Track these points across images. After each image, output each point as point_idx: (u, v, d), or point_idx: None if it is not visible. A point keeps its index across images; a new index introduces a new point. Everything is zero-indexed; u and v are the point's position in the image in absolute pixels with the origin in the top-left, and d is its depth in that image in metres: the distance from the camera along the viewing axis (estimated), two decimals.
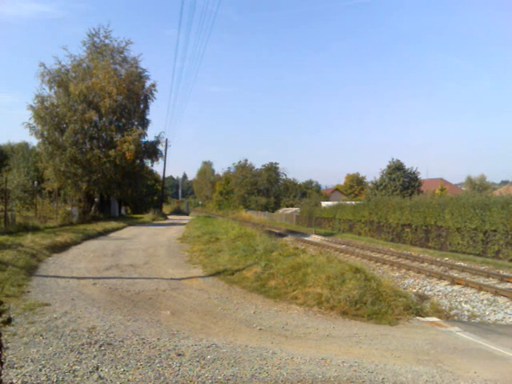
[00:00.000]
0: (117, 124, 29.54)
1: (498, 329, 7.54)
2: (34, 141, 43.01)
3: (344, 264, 8.96)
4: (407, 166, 41.47)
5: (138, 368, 4.10)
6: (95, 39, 29.61)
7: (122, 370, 4.03)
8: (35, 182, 24.25)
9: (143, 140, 30.24)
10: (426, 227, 21.86)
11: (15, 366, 3.95)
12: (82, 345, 4.65)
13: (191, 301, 7.26)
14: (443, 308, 9.77)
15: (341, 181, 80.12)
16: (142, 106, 31.01)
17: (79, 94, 26.35)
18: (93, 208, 28.74)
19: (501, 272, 14.07)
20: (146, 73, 30.99)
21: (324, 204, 43.57)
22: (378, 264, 16.39)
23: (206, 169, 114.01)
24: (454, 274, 13.82)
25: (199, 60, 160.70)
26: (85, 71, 28.42)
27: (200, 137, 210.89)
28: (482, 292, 11.06)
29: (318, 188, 77.07)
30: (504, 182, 65.14)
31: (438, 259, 17.21)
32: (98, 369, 4.00)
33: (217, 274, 9.72)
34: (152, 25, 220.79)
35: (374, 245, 23.48)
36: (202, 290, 8.13)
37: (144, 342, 4.88)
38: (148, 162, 32.48)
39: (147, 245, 15.01)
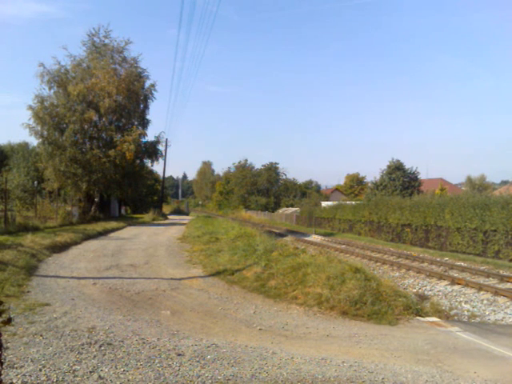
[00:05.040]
0: (117, 124, 29.53)
1: (498, 329, 7.54)
2: (33, 141, 42.98)
3: (344, 264, 8.96)
4: (407, 165, 41.49)
5: (138, 368, 4.10)
6: (95, 39, 29.57)
7: (122, 369, 4.03)
8: (35, 182, 24.25)
9: (143, 140, 30.24)
10: (426, 227, 21.86)
11: (15, 365, 3.95)
12: (82, 345, 4.65)
13: (191, 301, 7.26)
14: (443, 308, 9.76)
15: (341, 181, 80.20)
16: (141, 106, 30.99)
17: (78, 94, 26.35)
18: (93, 208, 28.70)
19: (501, 272, 14.07)
20: (145, 73, 30.97)
21: (324, 204, 43.56)
22: (378, 264, 16.39)
23: (206, 169, 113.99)
24: (454, 273, 13.82)
25: (199, 60, 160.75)
26: (84, 71, 28.41)
27: (200, 137, 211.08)
28: (481, 292, 11.06)
29: (317, 188, 77.15)
30: (504, 182, 65.16)
31: (438, 259, 17.21)
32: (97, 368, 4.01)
33: (217, 273, 9.72)
34: (152, 25, 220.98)
35: (374, 245, 23.48)
36: (202, 290, 8.13)
37: (144, 342, 4.88)
38: (148, 162, 32.48)
39: (147, 245, 15.01)
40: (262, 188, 64.92)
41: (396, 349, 5.29)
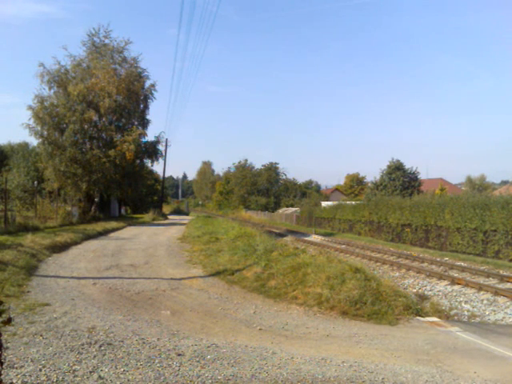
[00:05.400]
0: (117, 124, 29.54)
1: (498, 329, 7.54)
2: (33, 141, 42.98)
3: (344, 264, 8.96)
4: (407, 166, 41.50)
5: (138, 368, 4.10)
6: (95, 39, 29.58)
7: (122, 369, 4.03)
8: (35, 182, 24.26)
9: (143, 140, 30.26)
10: (426, 227, 21.85)
11: (15, 365, 3.95)
12: (82, 345, 4.65)
13: (191, 301, 7.26)
14: (443, 308, 9.76)
15: (341, 181, 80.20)
16: (141, 106, 31.00)
17: (78, 94, 26.36)
18: (93, 208, 28.72)
19: (501, 272, 14.06)
20: (145, 73, 30.97)
21: (324, 204, 43.56)
22: (378, 264, 16.38)
23: (206, 169, 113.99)
24: (454, 273, 13.82)
25: (199, 60, 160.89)
26: (84, 71, 28.42)
27: (200, 137, 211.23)
28: (481, 292, 11.06)
29: (317, 188, 77.20)
30: (504, 182, 65.13)
31: (438, 259, 17.21)
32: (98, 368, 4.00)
33: (217, 273, 9.72)
34: (152, 25, 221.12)
35: (374, 245, 23.48)
36: (202, 290, 8.13)
37: (144, 342, 4.88)
38: (148, 162, 32.50)
39: (147, 245, 15.01)
40: (262, 188, 64.90)
41: (396, 349, 5.29)
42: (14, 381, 3.62)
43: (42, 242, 12.53)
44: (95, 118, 28.13)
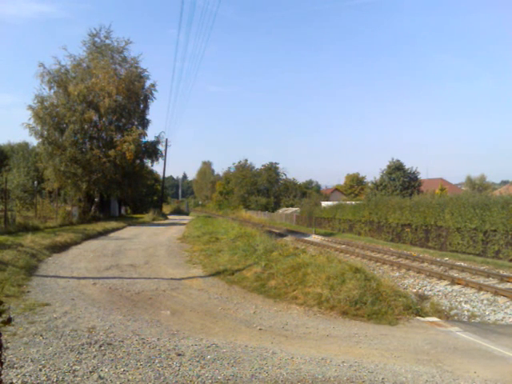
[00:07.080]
0: (117, 124, 29.53)
1: (498, 329, 7.54)
2: (33, 141, 42.94)
3: (344, 264, 8.95)
4: (407, 166, 41.48)
5: (138, 368, 4.10)
6: (96, 39, 29.58)
7: (122, 370, 4.03)
8: (35, 182, 24.25)
9: (143, 140, 30.25)
10: (426, 227, 21.85)
11: (15, 365, 3.95)
12: (82, 345, 4.65)
13: (191, 301, 7.26)
14: (443, 308, 9.77)
15: (341, 181, 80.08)
16: (141, 106, 30.99)
17: (78, 94, 26.36)
18: (93, 208, 28.71)
19: (501, 272, 14.07)
20: (145, 73, 30.98)
21: (324, 204, 43.55)
22: (378, 264, 16.38)
23: (206, 169, 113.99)
24: (454, 273, 13.82)
25: (199, 60, 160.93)
26: (84, 71, 28.42)
27: (200, 137, 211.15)
28: (481, 292, 11.06)
29: (317, 188, 77.25)
30: (504, 182, 65.12)
31: (438, 259, 17.21)
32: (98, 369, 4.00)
33: (217, 274, 9.72)
34: (152, 25, 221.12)
35: (374, 245, 23.47)
36: (202, 290, 8.13)
37: (144, 342, 4.88)
38: (148, 162, 32.51)
39: (147, 245, 15.01)
40: (262, 188, 64.87)
41: (396, 349, 5.29)
42: (14, 381, 3.62)
43: (42, 242, 12.53)
44: (95, 117, 28.13)
